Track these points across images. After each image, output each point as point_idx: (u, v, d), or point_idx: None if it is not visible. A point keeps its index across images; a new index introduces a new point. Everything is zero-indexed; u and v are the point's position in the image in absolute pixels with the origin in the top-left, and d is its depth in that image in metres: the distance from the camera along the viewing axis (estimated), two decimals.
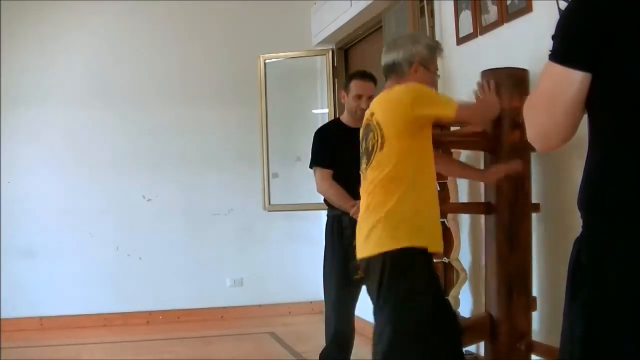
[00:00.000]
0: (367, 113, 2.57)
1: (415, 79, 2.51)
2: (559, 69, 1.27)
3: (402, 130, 2.40)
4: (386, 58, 2.58)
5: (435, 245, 2.44)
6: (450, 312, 2.52)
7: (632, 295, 1.21)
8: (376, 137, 2.43)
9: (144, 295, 5.44)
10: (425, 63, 2.55)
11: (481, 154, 2.89)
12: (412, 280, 2.38)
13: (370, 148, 2.46)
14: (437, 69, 2.65)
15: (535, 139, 1.36)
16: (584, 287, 1.28)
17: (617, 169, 1.25)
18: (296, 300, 5.62)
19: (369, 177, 2.47)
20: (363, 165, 2.53)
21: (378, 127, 2.43)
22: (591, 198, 1.30)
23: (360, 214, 2.54)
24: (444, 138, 3.00)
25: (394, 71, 2.55)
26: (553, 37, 1.30)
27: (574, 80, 1.26)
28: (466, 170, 2.90)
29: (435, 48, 2.60)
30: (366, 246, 2.45)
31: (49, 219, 5.32)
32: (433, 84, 2.61)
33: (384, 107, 2.46)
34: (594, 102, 1.27)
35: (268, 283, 5.64)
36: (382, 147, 2.41)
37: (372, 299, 2.49)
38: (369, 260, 2.44)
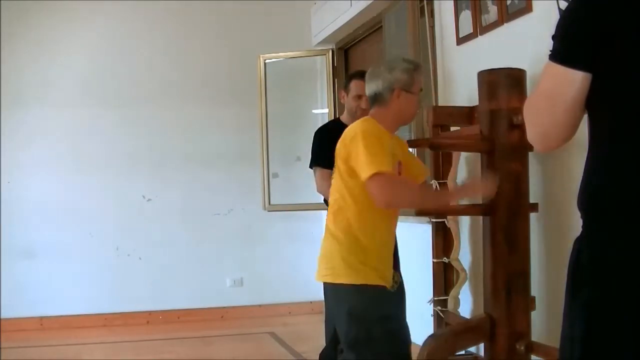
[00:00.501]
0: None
1: (398, 104, 2.55)
2: (559, 69, 1.27)
3: (344, 167, 2.47)
4: (368, 89, 2.61)
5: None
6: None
7: (632, 295, 1.21)
8: (337, 164, 2.53)
9: (144, 295, 5.44)
10: (406, 87, 2.56)
11: (479, 155, 2.89)
12: None
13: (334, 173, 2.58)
14: (421, 89, 2.64)
15: (535, 139, 1.36)
16: (584, 287, 1.28)
17: (617, 169, 1.25)
18: (296, 300, 5.63)
19: (330, 199, 2.58)
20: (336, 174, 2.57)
21: (336, 157, 2.53)
22: (591, 198, 1.30)
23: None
24: (441, 140, 3.01)
25: (377, 101, 2.59)
26: (553, 37, 1.30)
27: (574, 80, 1.26)
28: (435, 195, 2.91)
29: (413, 70, 2.59)
30: (318, 270, 2.57)
31: (49, 219, 5.32)
32: (417, 104, 2.63)
33: (341, 141, 2.51)
34: (594, 102, 1.27)
35: (268, 283, 5.64)
36: (334, 174, 2.54)
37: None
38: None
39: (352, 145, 2.42)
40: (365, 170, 2.33)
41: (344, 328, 2.49)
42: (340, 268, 2.45)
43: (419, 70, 2.64)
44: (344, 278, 2.45)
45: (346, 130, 2.55)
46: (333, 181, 2.58)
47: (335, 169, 2.56)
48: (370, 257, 2.46)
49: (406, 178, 2.56)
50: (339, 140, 2.54)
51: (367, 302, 2.46)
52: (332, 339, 3.42)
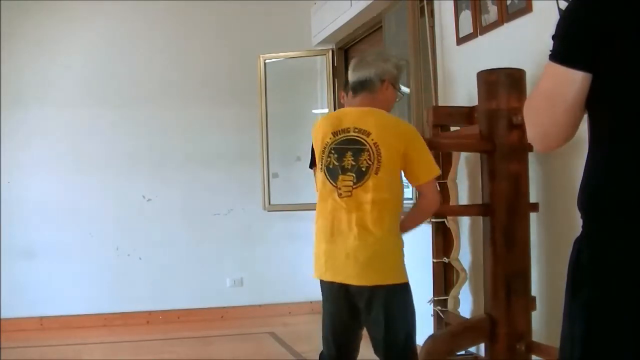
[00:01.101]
0: (345, 125, 2.51)
1: (385, 96, 2.60)
2: (559, 69, 1.27)
3: (397, 161, 2.45)
4: (358, 74, 2.61)
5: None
6: None
7: (632, 295, 1.20)
8: (372, 159, 2.43)
9: (144, 295, 5.44)
10: (394, 81, 2.63)
11: (479, 155, 2.89)
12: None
13: (363, 168, 2.44)
14: (400, 88, 2.70)
15: (535, 139, 1.36)
16: (584, 287, 1.28)
17: (617, 169, 1.25)
18: (296, 300, 5.62)
19: (360, 198, 2.44)
20: (346, 182, 2.47)
21: (375, 150, 2.43)
22: (591, 198, 1.30)
23: (349, 233, 2.47)
24: (441, 140, 3.01)
25: (365, 87, 2.59)
26: (553, 37, 1.30)
27: (574, 80, 1.26)
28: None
29: (402, 67, 2.69)
30: (366, 273, 2.45)
31: (49, 219, 5.32)
32: (394, 101, 2.69)
33: (385, 133, 2.46)
34: (594, 102, 1.27)
35: (268, 283, 5.64)
36: (377, 172, 2.42)
37: (377, 327, 2.51)
38: (379, 289, 2.46)
39: (419, 143, 2.49)
40: (434, 169, 2.51)
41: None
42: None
43: (404, 70, 2.74)
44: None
45: (384, 123, 2.49)
46: (359, 189, 2.45)
47: (363, 171, 2.45)
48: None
49: None
50: (372, 132, 2.45)
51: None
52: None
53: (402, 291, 2.49)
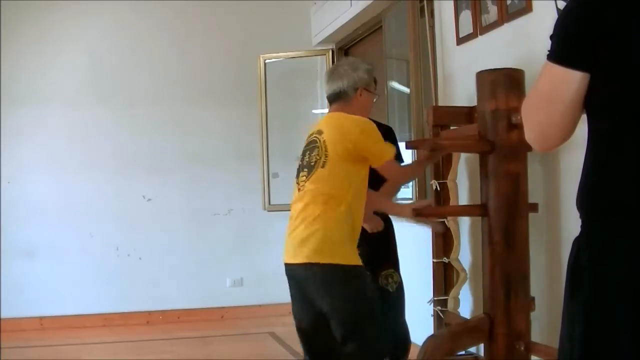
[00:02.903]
0: (314, 129, 2.79)
1: (359, 102, 2.82)
2: (557, 69, 1.27)
3: (345, 155, 2.61)
4: (332, 87, 2.83)
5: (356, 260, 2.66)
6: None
7: (631, 294, 1.20)
8: (320, 155, 2.65)
9: (144, 295, 5.44)
10: (367, 86, 2.85)
11: (479, 155, 2.88)
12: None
13: (312, 163, 2.67)
14: (376, 88, 2.94)
15: (534, 139, 1.36)
16: (583, 287, 1.28)
17: (616, 169, 1.25)
18: None
19: (307, 189, 2.66)
20: (302, 178, 2.70)
21: (323, 147, 2.66)
22: (590, 198, 1.30)
23: (296, 220, 2.68)
24: (440, 140, 3.01)
25: (341, 98, 2.82)
26: (551, 37, 1.30)
27: (573, 80, 1.25)
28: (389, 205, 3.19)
29: (372, 70, 2.89)
30: (301, 251, 2.62)
31: (49, 219, 5.32)
32: (372, 103, 2.91)
33: (333, 131, 2.69)
34: (592, 102, 1.27)
35: (268, 283, 5.62)
36: (324, 165, 2.64)
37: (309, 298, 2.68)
38: (306, 266, 2.62)
39: (363, 133, 2.65)
40: (385, 153, 2.67)
41: None
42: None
43: (374, 71, 2.92)
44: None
45: (337, 122, 2.73)
46: (307, 183, 2.68)
47: (312, 165, 2.68)
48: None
49: None
50: (324, 131, 2.71)
51: None
52: None
53: (342, 272, 2.59)
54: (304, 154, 2.78)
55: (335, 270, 2.59)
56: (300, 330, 2.78)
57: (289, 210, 2.78)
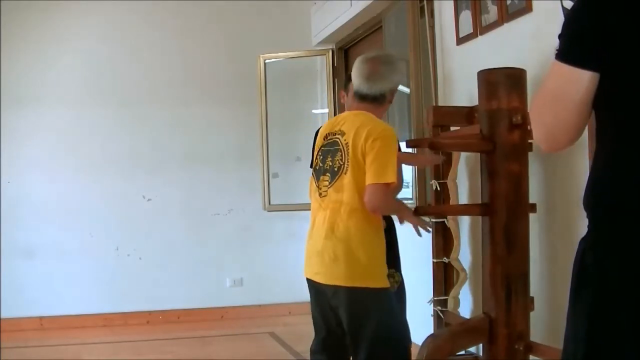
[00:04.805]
0: (335, 128, 2.62)
1: (390, 101, 2.71)
2: (566, 68, 1.25)
3: (362, 163, 2.47)
4: (373, 88, 2.63)
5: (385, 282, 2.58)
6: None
7: (636, 296, 1.20)
8: (343, 160, 2.51)
9: (144, 295, 5.43)
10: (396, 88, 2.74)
11: (479, 155, 2.88)
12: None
13: (336, 168, 2.54)
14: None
15: (541, 140, 1.34)
16: (588, 288, 1.27)
17: (624, 169, 1.24)
18: (296, 300, 5.61)
19: (331, 198, 2.55)
20: (324, 182, 2.58)
21: (346, 151, 2.52)
22: (598, 198, 1.28)
23: (320, 229, 2.59)
24: (441, 140, 3.01)
25: (376, 100, 2.64)
26: (559, 37, 1.28)
27: (581, 80, 1.24)
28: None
29: (405, 66, 2.86)
30: (331, 273, 2.54)
31: (49, 219, 5.32)
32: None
33: (356, 134, 2.51)
34: (601, 102, 1.26)
35: (268, 283, 5.64)
36: (346, 172, 2.50)
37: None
38: (335, 288, 2.55)
39: (383, 149, 2.47)
40: (389, 177, 2.44)
41: None
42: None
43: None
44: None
45: (362, 125, 2.54)
46: (331, 189, 2.56)
47: (335, 171, 2.55)
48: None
49: None
50: (347, 132, 2.55)
51: None
52: None
53: (370, 296, 2.51)
54: (324, 155, 2.63)
55: (363, 294, 2.51)
56: (315, 321, 2.77)
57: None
